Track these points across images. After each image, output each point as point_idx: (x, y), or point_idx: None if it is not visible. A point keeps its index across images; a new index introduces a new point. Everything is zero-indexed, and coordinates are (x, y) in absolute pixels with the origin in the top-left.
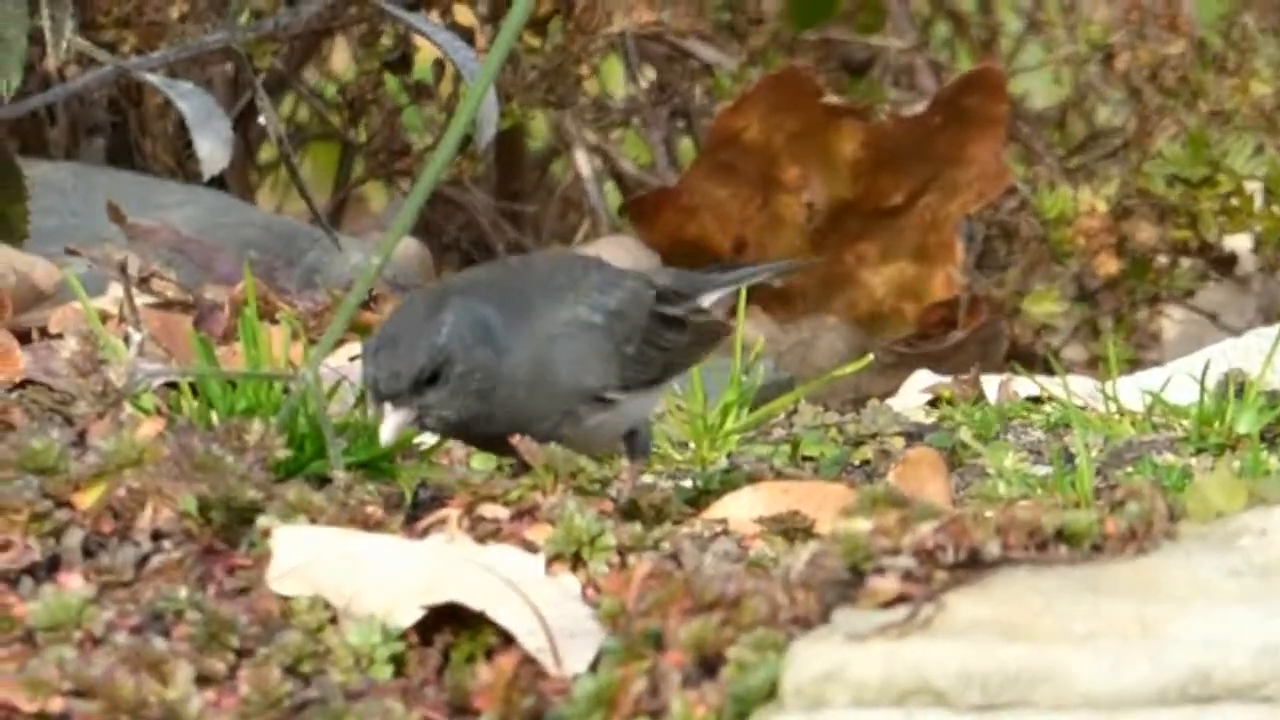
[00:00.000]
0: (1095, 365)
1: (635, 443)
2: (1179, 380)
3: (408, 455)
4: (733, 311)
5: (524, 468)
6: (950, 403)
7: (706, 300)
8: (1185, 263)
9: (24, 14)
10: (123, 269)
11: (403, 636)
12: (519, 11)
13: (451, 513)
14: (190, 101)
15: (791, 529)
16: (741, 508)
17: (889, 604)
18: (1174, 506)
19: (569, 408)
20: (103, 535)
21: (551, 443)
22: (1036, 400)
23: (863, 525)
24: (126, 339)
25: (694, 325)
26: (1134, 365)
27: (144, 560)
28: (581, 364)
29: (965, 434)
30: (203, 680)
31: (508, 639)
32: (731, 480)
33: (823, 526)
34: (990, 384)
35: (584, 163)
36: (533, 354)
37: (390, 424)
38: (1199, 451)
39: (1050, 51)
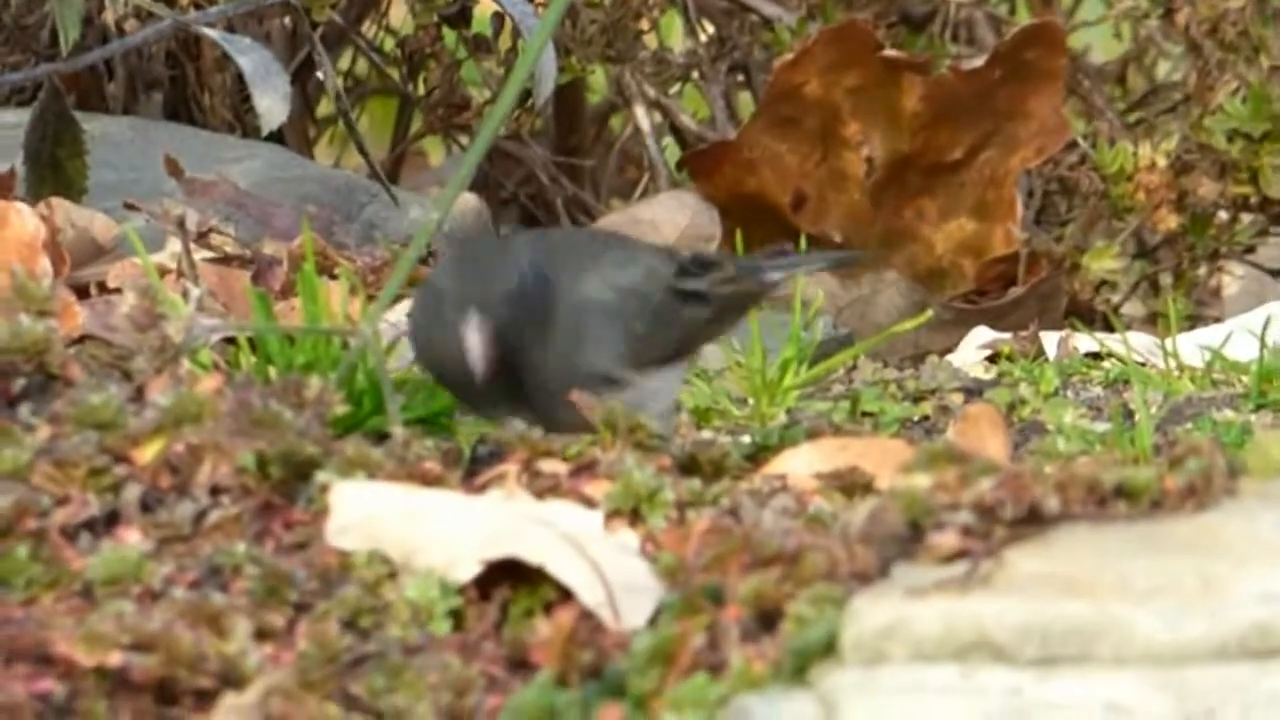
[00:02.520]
0: (1155, 321)
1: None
2: (1239, 336)
3: (466, 412)
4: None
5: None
6: (1009, 359)
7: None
8: (1246, 218)
9: None
10: (181, 224)
11: (461, 591)
12: None
13: (510, 468)
14: (249, 56)
15: (850, 485)
16: (800, 463)
17: (948, 559)
18: (1234, 463)
19: (579, 386)
20: (161, 490)
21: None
22: (1096, 356)
23: (922, 481)
24: (185, 294)
25: (719, 297)
26: (1194, 321)
27: (202, 515)
28: (593, 343)
29: (1024, 390)
30: (261, 634)
31: (566, 594)
32: (790, 436)
33: (882, 482)
34: (1049, 340)
35: (643, 117)
36: (561, 325)
37: (479, 338)
38: (1259, 408)
39: (1110, 6)
